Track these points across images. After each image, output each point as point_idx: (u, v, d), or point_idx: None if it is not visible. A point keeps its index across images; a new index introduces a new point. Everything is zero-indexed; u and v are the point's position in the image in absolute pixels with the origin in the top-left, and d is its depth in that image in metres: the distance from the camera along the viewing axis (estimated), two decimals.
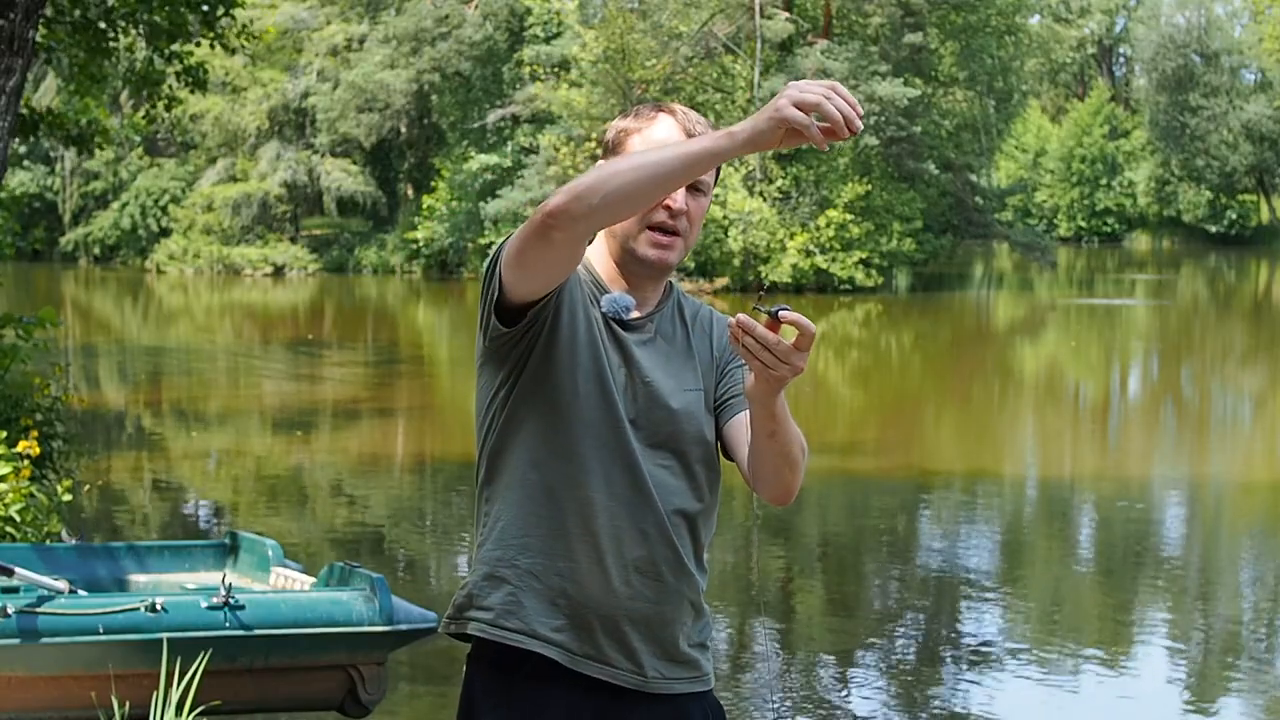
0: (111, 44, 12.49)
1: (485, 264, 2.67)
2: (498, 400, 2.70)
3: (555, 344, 2.64)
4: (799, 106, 2.30)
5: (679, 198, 2.67)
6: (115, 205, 50.47)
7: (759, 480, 2.66)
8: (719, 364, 2.78)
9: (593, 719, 2.66)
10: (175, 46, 12.74)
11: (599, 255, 2.78)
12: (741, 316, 2.37)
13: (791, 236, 36.67)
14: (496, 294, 2.61)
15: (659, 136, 2.70)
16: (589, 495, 2.63)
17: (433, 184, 46.71)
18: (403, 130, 48.79)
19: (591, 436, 2.64)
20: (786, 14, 39.04)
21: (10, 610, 5.49)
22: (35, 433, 8.44)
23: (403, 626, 5.97)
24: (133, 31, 12.54)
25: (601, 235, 2.77)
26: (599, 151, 2.85)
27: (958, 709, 7.31)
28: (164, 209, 49.71)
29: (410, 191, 50.40)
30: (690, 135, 2.70)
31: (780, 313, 2.36)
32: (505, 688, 2.67)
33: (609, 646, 2.64)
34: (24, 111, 12.51)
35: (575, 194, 2.43)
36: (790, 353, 2.38)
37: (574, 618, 2.63)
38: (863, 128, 2.29)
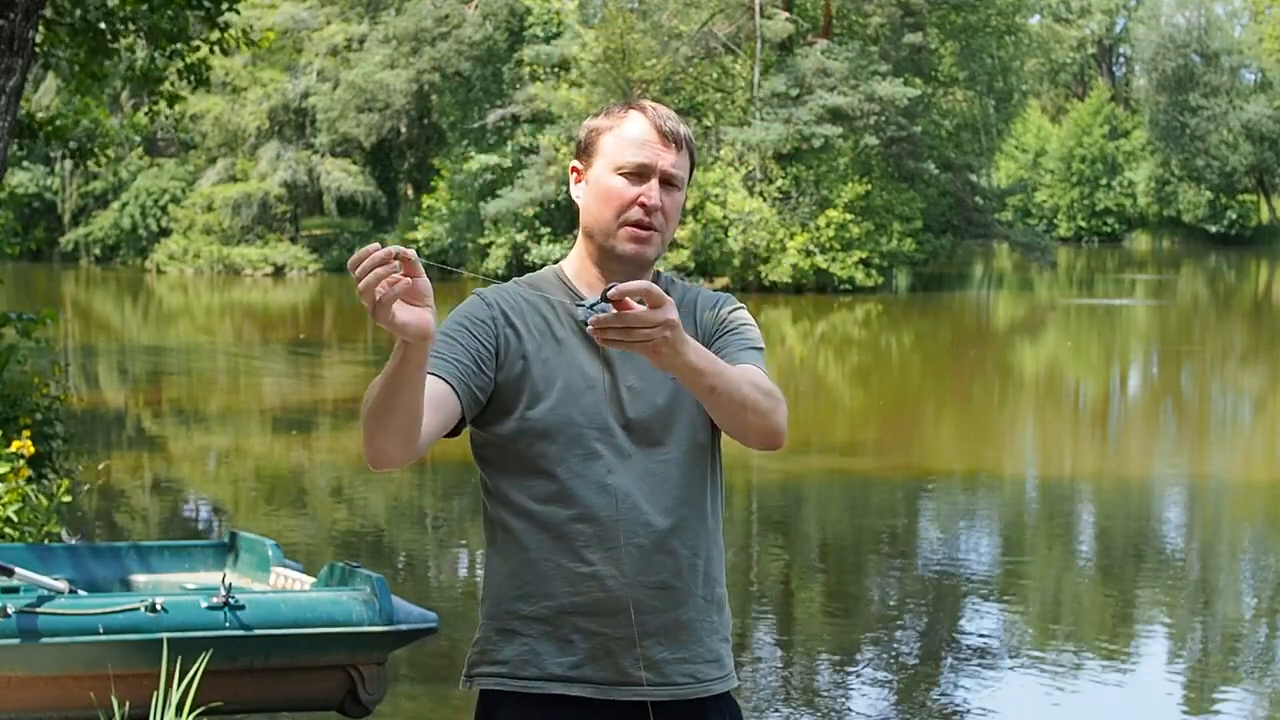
0: (111, 45, 12.49)
1: None
2: (476, 460, 2.73)
3: (506, 401, 2.65)
4: (370, 306, 2.27)
5: (654, 195, 2.66)
6: (115, 205, 50.47)
7: (737, 434, 2.61)
8: (707, 337, 2.74)
9: None
10: (176, 46, 12.74)
11: (575, 262, 2.77)
12: (591, 319, 2.33)
13: (791, 236, 36.66)
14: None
15: (630, 134, 2.69)
16: (576, 529, 2.62)
17: (433, 184, 46.71)
18: (403, 130, 48.81)
19: (567, 470, 2.62)
20: (786, 14, 39.03)
21: (10, 610, 5.48)
22: (29, 432, 8.43)
23: (403, 626, 5.97)
24: (133, 33, 12.53)
25: (579, 241, 2.77)
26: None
27: (958, 709, 7.31)
28: (164, 209, 49.72)
29: (410, 191, 50.42)
30: (661, 131, 2.69)
31: (609, 293, 2.31)
32: (522, 709, 2.66)
33: (632, 667, 2.62)
34: (24, 117, 12.52)
35: (369, 446, 2.48)
36: (649, 315, 2.32)
37: (592, 650, 2.62)
38: (390, 253, 2.25)
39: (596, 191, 2.70)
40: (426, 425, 2.49)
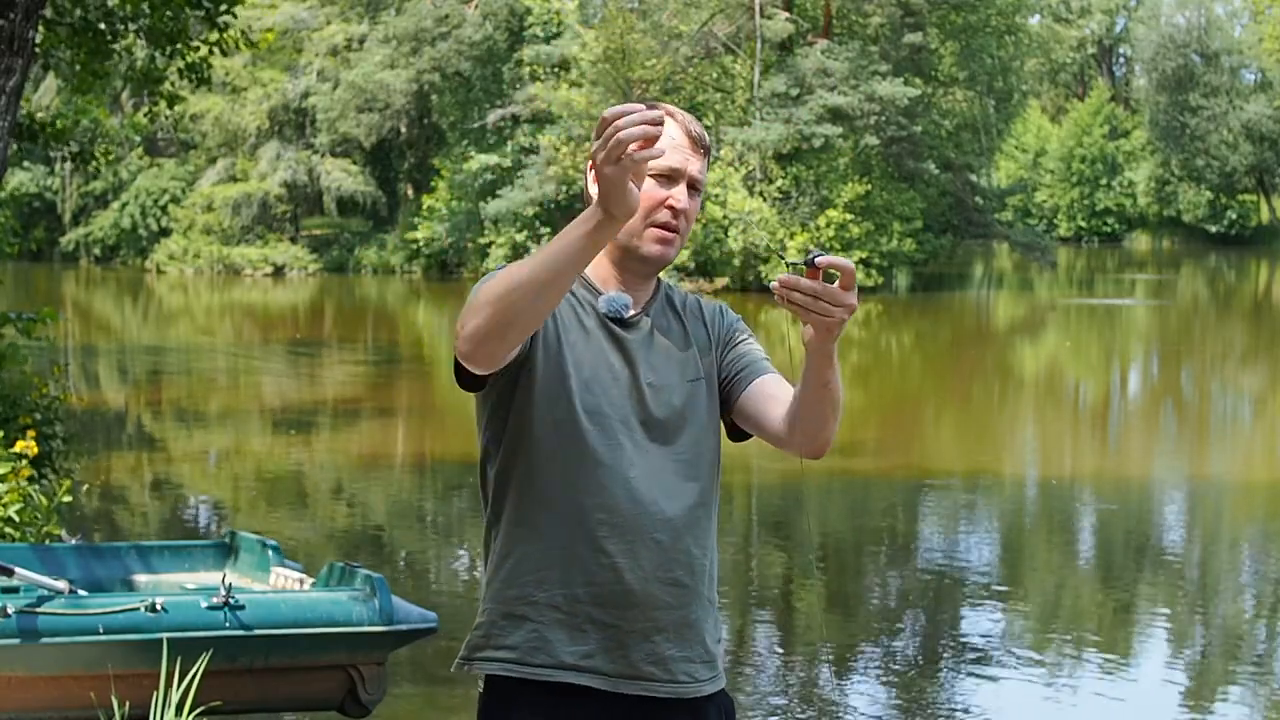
0: (111, 45, 12.49)
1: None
2: (489, 436, 2.70)
3: (539, 379, 2.63)
4: (613, 163, 2.27)
5: (682, 198, 2.68)
6: (115, 205, 50.47)
7: (803, 433, 2.63)
8: (719, 345, 2.79)
9: None
10: (176, 46, 12.74)
11: None
12: (782, 276, 2.38)
13: (791, 236, 36.66)
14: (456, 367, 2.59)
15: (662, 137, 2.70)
16: (596, 517, 2.62)
17: (433, 184, 46.72)
18: (403, 130, 48.80)
19: (593, 458, 2.62)
20: (786, 14, 39.04)
21: (10, 610, 5.48)
22: (33, 432, 8.44)
23: (403, 626, 5.97)
24: (132, 34, 12.54)
25: None
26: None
27: (958, 709, 7.31)
28: (164, 209, 49.71)
29: (410, 191, 50.41)
30: (690, 136, 2.71)
31: (816, 259, 2.36)
32: (530, 701, 2.64)
33: (642, 661, 2.64)
34: (24, 119, 12.52)
35: (478, 339, 2.42)
36: (840, 294, 2.39)
37: (603, 640, 2.62)
38: (658, 116, 2.28)
39: None
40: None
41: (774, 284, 2.40)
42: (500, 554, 2.69)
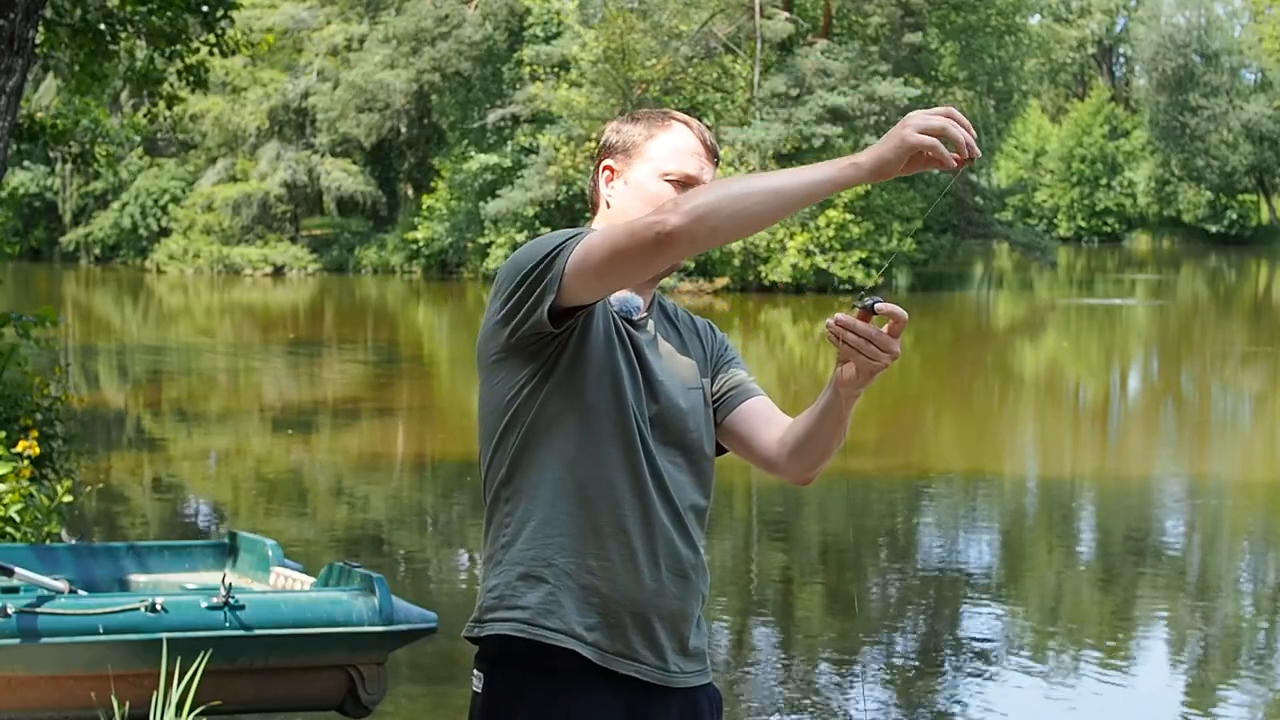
0: (111, 46, 12.50)
1: (530, 262, 2.60)
2: (523, 397, 2.68)
3: (586, 342, 2.65)
4: (925, 132, 2.36)
5: None
6: (115, 205, 50.48)
7: (802, 462, 2.73)
8: (712, 362, 2.85)
9: (619, 715, 2.67)
10: (176, 47, 12.75)
11: None
12: (840, 316, 2.45)
13: (791, 236, 36.67)
14: (553, 296, 2.57)
15: (680, 144, 2.76)
16: (620, 494, 2.65)
17: (433, 184, 46.73)
18: (403, 130, 48.80)
19: (620, 435, 2.66)
20: (786, 14, 39.04)
21: (10, 610, 5.49)
22: (35, 433, 8.44)
23: (403, 626, 5.97)
24: (132, 36, 12.55)
25: None
26: (600, 152, 2.88)
27: (958, 709, 7.31)
28: (164, 209, 49.73)
29: (410, 191, 50.42)
30: (706, 145, 2.78)
31: (876, 305, 2.44)
32: (535, 687, 2.66)
33: (639, 643, 2.67)
34: (24, 119, 12.52)
35: (698, 216, 2.43)
36: (889, 341, 2.46)
37: (606, 615, 2.65)
38: (972, 159, 2.39)
39: (640, 194, 2.75)
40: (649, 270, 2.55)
41: (829, 322, 2.46)
42: (520, 518, 2.69)
